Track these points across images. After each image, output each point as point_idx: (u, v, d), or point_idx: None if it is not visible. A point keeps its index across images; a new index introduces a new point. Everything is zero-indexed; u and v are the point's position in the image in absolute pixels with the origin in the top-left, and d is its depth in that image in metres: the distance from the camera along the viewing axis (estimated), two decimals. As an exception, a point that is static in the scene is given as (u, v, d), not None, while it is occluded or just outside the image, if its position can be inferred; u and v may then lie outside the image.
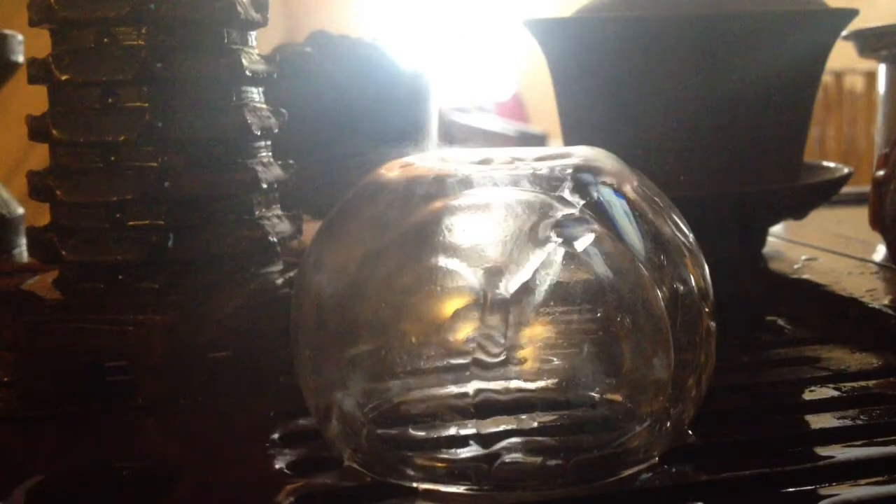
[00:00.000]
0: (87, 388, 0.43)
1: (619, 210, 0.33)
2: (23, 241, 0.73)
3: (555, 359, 0.33)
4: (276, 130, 0.47)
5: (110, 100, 0.43)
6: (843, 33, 0.67)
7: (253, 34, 0.47)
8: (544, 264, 0.32)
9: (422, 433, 0.35)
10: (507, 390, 0.34)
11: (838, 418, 0.38)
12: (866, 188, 0.60)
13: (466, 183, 0.33)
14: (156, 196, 0.43)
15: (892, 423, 0.37)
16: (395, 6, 2.82)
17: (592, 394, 0.34)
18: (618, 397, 0.34)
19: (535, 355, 0.33)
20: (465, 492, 0.32)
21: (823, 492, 0.32)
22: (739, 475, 0.33)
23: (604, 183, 0.33)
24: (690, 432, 0.36)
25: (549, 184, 0.33)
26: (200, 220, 0.44)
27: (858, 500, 0.31)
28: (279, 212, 0.47)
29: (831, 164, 0.70)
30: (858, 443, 0.35)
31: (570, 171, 0.33)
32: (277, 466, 0.35)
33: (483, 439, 0.34)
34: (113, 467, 0.36)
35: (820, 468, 0.34)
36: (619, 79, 0.61)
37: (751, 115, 0.60)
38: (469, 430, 0.35)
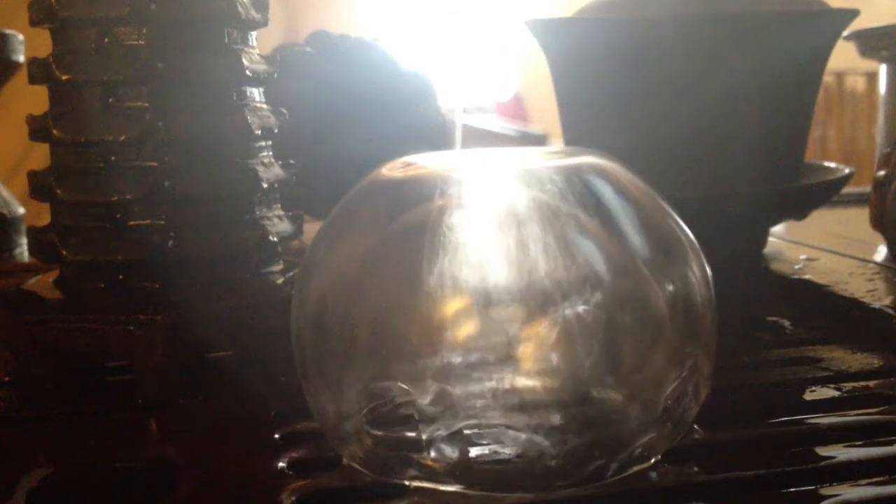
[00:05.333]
0: (87, 388, 0.43)
1: (619, 210, 0.33)
2: (23, 241, 0.73)
3: (555, 358, 0.33)
4: (277, 130, 0.47)
5: (111, 100, 0.43)
6: (844, 34, 0.67)
7: (253, 34, 0.47)
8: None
9: (422, 433, 0.35)
10: (508, 390, 0.34)
11: (839, 418, 0.38)
12: (867, 188, 0.60)
13: (467, 183, 0.33)
14: (156, 196, 0.42)
15: (892, 423, 0.37)
16: (395, 6, 2.82)
17: (593, 393, 0.34)
18: (618, 397, 0.34)
19: (535, 355, 0.33)
20: (464, 492, 0.32)
21: (825, 492, 0.32)
22: (740, 475, 0.33)
23: (604, 183, 0.33)
24: (696, 426, 0.36)
25: (549, 184, 0.33)
26: (201, 220, 0.44)
27: (859, 501, 0.31)
28: (280, 212, 0.47)
29: (832, 165, 0.70)
30: (859, 443, 0.35)
31: (570, 171, 0.33)
32: (278, 466, 0.35)
33: (483, 439, 0.34)
34: (113, 467, 0.36)
35: (821, 468, 0.34)
36: (620, 79, 0.61)
37: (751, 115, 0.60)
38: (470, 431, 0.35)
